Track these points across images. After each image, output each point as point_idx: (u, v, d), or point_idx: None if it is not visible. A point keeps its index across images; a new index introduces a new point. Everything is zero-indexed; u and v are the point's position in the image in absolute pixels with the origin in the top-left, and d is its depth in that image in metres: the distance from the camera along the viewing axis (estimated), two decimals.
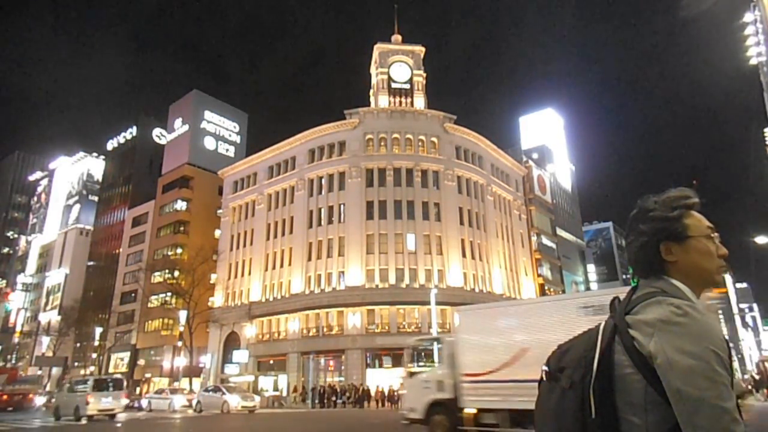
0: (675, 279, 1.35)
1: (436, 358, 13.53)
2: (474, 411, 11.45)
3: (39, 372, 65.60)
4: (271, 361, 47.48)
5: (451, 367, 12.24)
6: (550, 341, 7.37)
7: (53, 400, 29.56)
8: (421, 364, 14.03)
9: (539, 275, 59.02)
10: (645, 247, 1.38)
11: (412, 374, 13.85)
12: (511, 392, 10.88)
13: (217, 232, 59.05)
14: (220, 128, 75.58)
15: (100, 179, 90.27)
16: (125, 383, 26.74)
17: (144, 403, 34.55)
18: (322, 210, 48.75)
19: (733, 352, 1.26)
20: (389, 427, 17.68)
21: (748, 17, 41.45)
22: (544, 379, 1.41)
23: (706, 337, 1.19)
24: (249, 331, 49.24)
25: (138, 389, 56.57)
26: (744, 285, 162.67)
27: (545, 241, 62.96)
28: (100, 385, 22.31)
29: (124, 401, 23.71)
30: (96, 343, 60.90)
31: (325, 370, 44.65)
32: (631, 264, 1.46)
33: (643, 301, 1.32)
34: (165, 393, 33.42)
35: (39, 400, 37.28)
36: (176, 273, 53.55)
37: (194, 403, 29.87)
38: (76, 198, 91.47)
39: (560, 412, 1.30)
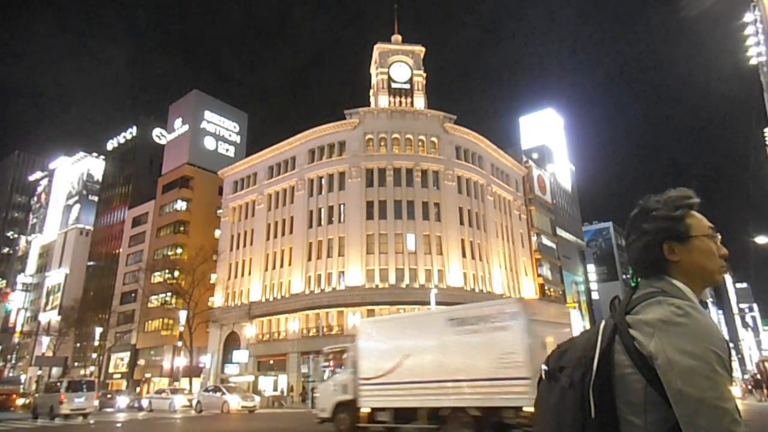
0: (676, 279, 1.35)
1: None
2: (368, 410, 12.96)
3: (39, 372, 65.67)
4: (271, 361, 47.47)
5: (353, 372, 13.77)
6: (424, 348, 10.16)
7: None
8: (337, 370, 15.37)
9: (539, 275, 59.01)
10: (648, 246, 1.38)
11: (323, 379, 15.78)
12: (396, 393, 12.43)
13: (217, 232, 59.05)
14: (220, 128, 75.58)
15: (100, 179, 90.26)
16: (97, 385, 28.52)
17: (144, 403, 34.60)
18: (322, 210, 48.75)
19: (733, 353, 1.26)
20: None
21: (748, 17, 41.45)
22: (543, 378, 1.41)
23: (706, 338, 1.19)
24: (249, 331, 49.24)
25: (138, 389, 56.54)
26: (744, 285, 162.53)
27: (545, 241, 62.95)
28: (74, 387, 24.11)
29: (96, 401, 26.08)
30: (96, 343, 60.89)
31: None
32: (632, 263, 1.46)
33: (644, 301, 1.32)
34: (165, 393, 33.45)
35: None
36: (176, 273, 53.57)
37: (194, 403, 29.90)
38: (76, 198, 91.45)
39: (560, 412, 1.30)
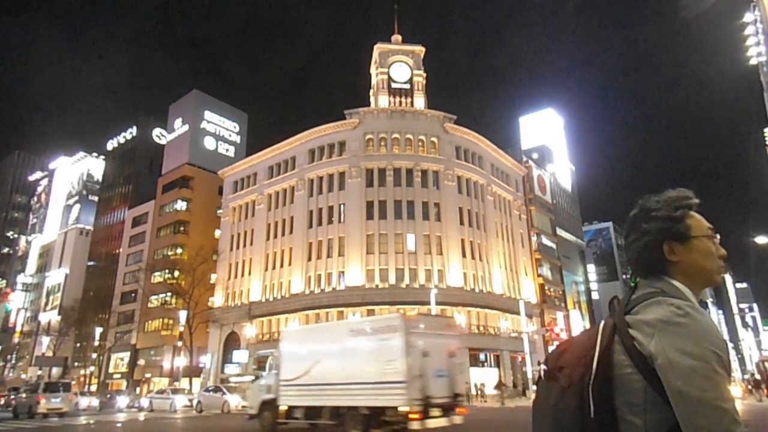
0: (676, 279, 1.36)
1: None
2: (286, 408, 14.66)
3: (39, 372, 65.67)
4: None
5: (276, 374, 15.45)
6: (330, 354, 13.23)
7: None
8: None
9: (539, 275, 59.00)
10: (648, 246, 1.38)
11: (254, 380, 18.16)
12: (307, 393, 14.19)
13: (217, 232, 59.06)
14: (220, 128, 75.59)
15: (100, 179, 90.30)
16: (73, 387, 30.87)
17: (145, 402, 34.54)
18: (322, 210, 48.76)
19: (732, 353, 1.26)
20: None
21: (748, 17, 41.46)
22: (542, 377, 1.41)
23: (707, 338, 1.19)
24: (249, 331, 49.23)
25: (138, 389, 56.54)
26: (744, 285, 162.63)
27: (545, 241, 62.94)
28: (51, 388, 26.39)
29: (73, 401, 27.86)
30: (96, 343, 60.92)
31: None
32: (631, 263, 1.46)
33: (643, 301, 1.32)
34: (166, 393, 33.37)
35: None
36: (176, 273, 53.59)
37: (195, 403, 29.91)
38: (76, 198, 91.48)
39: (559, 412, 1.30)
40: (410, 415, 11.55)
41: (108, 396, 42.29)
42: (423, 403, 11.71)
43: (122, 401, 40.16)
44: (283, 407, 14.64)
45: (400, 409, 11.76)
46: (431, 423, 11.83)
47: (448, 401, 12.44)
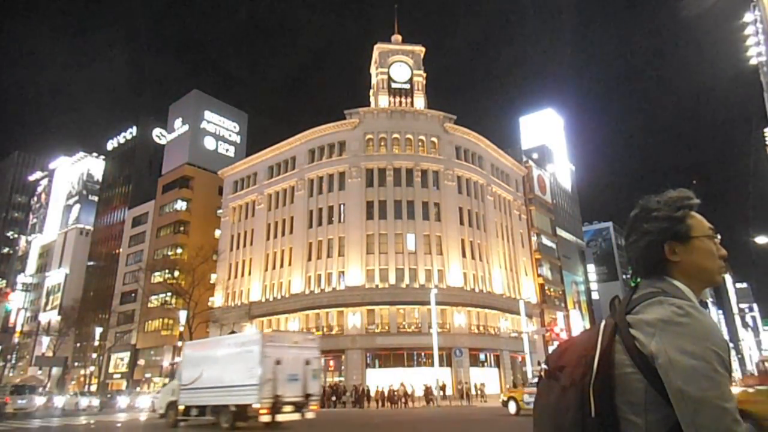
0: (677, 279, 1.36)
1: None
2: (183, 407, 17.83)
3: (39, 372, 65.67)
4: None
5: (178, 380, 18.61)
6: (214, 363, 16.98)
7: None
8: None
9: (539, 275, 59.01)
10: (650, 246, 1.39)
11: (164, 385, 21.56)
12: (197, 395, 17.27)
13: (217, 232, 59.05)
14: (220, 128, 75.58)
15: (100, 179, 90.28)
16: (41, 389, 33.66)
17: (147, 402, 34.32)
18: (322, 210, 48.75)
19: (732, 353, 1.26)
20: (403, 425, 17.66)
21: (748, 17, 41.47)
22: (543, 377, 1.42)
23: (707, 338, 1.19)
24: (249, 331, 49.23)
25: (138, 389, 56.54)
26: (744, 285, 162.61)
27: (545, 241, 62.95)
28: (18, 390, 29.13)
29: (39, 401, 30.24)
30: (96, 343, 60.91)
31: (325, 370, 44.61)
32: (632, 263, 1.46)
33: (644, 300, 1.33)
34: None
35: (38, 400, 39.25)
36: (176, 273, 53.55)
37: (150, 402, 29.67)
38: (76, 198, 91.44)
39: (559, 411, 1.30)
40: (260, 411, 14.69)
41: (108, 396, 42.16)
42: (273, 402, 14.80)
43: (123, 401, 40.00)
44: (181, 407, 17.93)
45: (253, 405, 14.84)
46: (281, 417, 15.04)
47: (300, 400, 15.55)
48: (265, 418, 14.79)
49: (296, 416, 15.44)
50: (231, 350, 16.88)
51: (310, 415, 15.91)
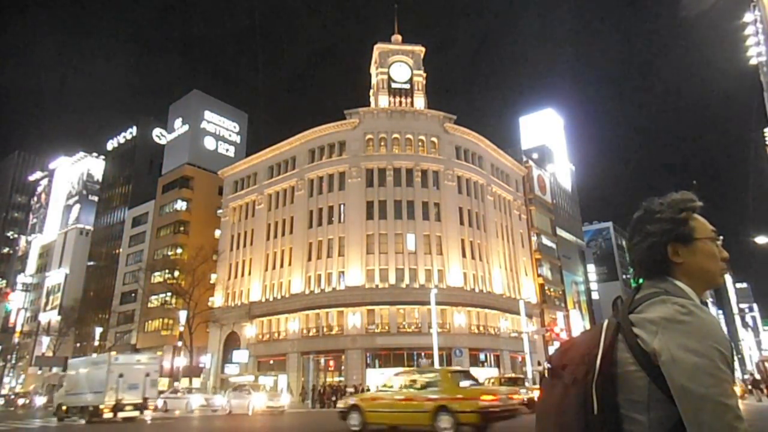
0: (679, 279, 1.38)
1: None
2: (65, 407, 23.54)
3: (39, 372, 65.66)
4: (271, 361, 47.49)
5: (64, 387, 25.26)
6: (83, 376, 23.62)
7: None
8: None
9: (539, 275, 59.00)
10: (653, 247, 1.41)
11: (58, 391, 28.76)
12: (73, 399, 23.09)
13: (217, 232, 59.04)
14: (220, 128, 75.56)
15: (100, 179, 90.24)
16: None
17: (159, 402, 33.55)
18: (322, 210, 48.75)
19: (734, 352, 1.28)
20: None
21: (748, 17, 41.50)
22: (546, 376, 1.43)
23: (710, 336, 1.20)
24: (249, 331, 49.24)
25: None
26: (744, 285, 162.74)
27: (545, 241, 62.95)
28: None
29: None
30: (96, 343, 60.86)
31: (325, 370, 44.65)
32: (635, 265, 1.48)
33: (647, 300, 1.34)
34: (181, 392, 31.74)
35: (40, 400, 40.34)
36: (176, 273, 53.55)
37: (225, 402, 28.08)
38: (76, 198, 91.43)
39: (562, 409, 1.31)
40: (104, 409, 20.48)
41: None
42: (115, 403, 20.44)
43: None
44: (64, 407, 23.60)
45: (100, 406, 20.58)
46: (122, 414, 20.78)
47: (139, 402, 21.26)
48: (108, 415, 20.60)
49: (135, 414, 21.53)
50: (91, 367, 22.98)
51: (147, 413, 22.49)
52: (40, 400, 42.76)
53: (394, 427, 12.64)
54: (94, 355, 29.66)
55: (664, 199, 1.45)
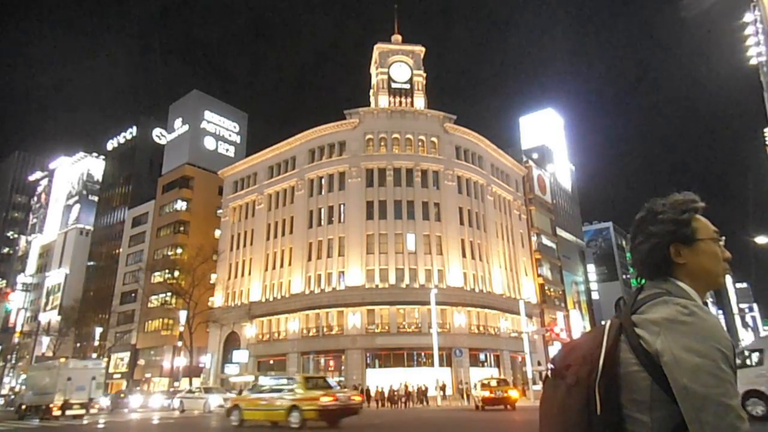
0: (682, 280, 1.39)
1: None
2: (25, 407, 26.20)
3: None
4: (271, 361, 47.49)
5: (27, 389, 28.53)
6: (40, 379, 27.41)
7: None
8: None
9: (539, 275, 59.01)
10: (655, 248, 1.41)
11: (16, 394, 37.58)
12: (32, 399, 25.68)
13: (217, 232, 59.06)
14: (220, 128, 75.57)
15: (100, 179, 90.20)
16: None
17: (176, 402, 31.92)
18: (322, 210, 48.76)
19: (736, 353, 1.28)
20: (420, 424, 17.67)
21: (748, 17, 41.53)
22: (550, 376, 1.44)
23: (712, 336, 1.21)
24: (249, 331, 49.24)
25: (138, 389, 56.54)
26: (744, 285, 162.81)
27: (545, 241, 62.96)
28: None
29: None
30: (96, 343, 60.87)
31: (325, 370, 44.63)
32: (637, 265, 1.48)
33: (649, 301, 1.35)
34: (198, 392, 30.36)
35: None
36: (176, 273, 53.52)
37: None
38: (76, 198, 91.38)
39: (566, 409, 1.32)
40: (54, 408, 23.14)
41: (122, 396, 39.26)
42: (63, 402, 23.23)
43: (135, 401, 37.33)
44: (24, 406, 26.42)
45: (50, 405, 23.30)
46: (69, 412, 23.44)
47: (85, 402, 24.03)
48: (57, 413, 23.13)
49: (82, 412, 24.02)
50: (45, 371, 26.11)
51: (93, 411, 25.39)
52: (103, 400, 41.12)
53: (262, 422, 15.82)
54: (51, 362, 32.31)
55: (666, 199, 1.46)
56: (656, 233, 1.41)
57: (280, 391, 15.63)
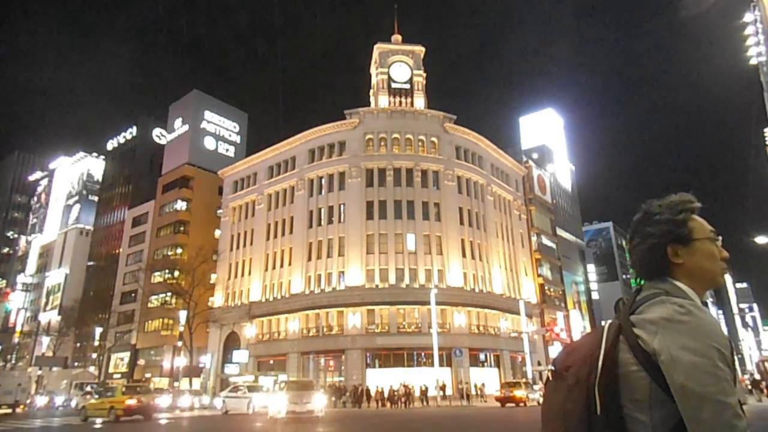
0: (679, 280, 1.40)
1: None
2: None
3: (39, 372, 65.60)
4: (271, 361, 47.50)
5: None
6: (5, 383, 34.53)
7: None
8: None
9: (539, 275, 59.02)
10: (653, 249, 1.43)
11: None
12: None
13: (217, 232, 59.05)
14: (220, 128, 75.57)
15: (100, 179, 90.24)
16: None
17: (218, 403, 30.55)
18: (322, 210, 48.77)
19: (734, 352, 1.29)
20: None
21: (748, 17, 41.53)
22: (551, 378, 1.45)
23: (709, 335, 1.22)
24: (249, 331, 49.24)
25: (177, 386, 56.26)
26: (744, 285, 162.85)
27: (545, 241, 62.96)
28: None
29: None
30: (96, 343, 60.86)
31: (325, 370, 44.66)
32: (635, 266, 1.50)
33: (647, 301, 1.36)
34: (242, 391, 27.71)
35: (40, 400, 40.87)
36: (176, 273, 53.55)
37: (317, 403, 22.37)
38: (76, 198, 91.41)
39: (566, 410, 1.33)
40: None
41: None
42: None
43: (164, 401, 32.24)
44: None
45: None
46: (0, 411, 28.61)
47: (12, 404, 29.33)
48: None
49: (9, 411, 28.89)
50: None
51: (19, 410, 29.94)
52: (41, 401, 42.50)
53: (97, 416, 22.16)
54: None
55: (662, 200, 1.47)
56: (653, 234, 1.43)
57: (108, 395, 23.09)
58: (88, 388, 39.06)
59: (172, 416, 25.87)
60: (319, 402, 22.08)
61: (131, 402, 20.74)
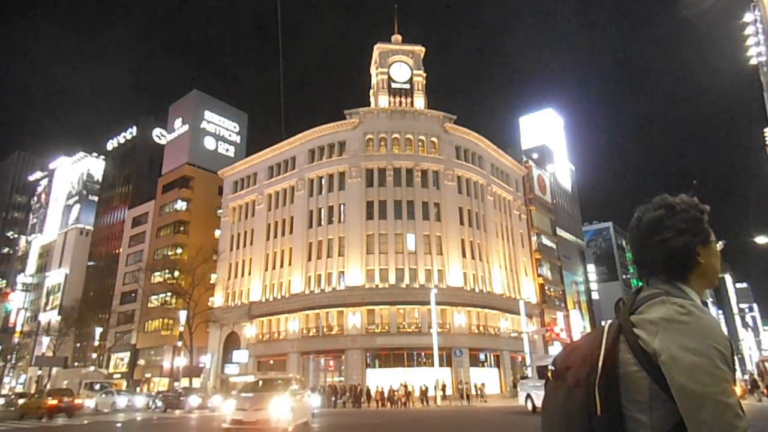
0: (691, 280, 1.40)
1: None
2: None
3: (39, 372, 65.63)
4: (271, 361, 47.50)
5: None
6: None
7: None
8: None
9: (539, 275, 59.01)
10: (686, 247, 1.40)
11: None
12: None
13: (217, 232, 59.06)
14: (220, 128, 75.58)
15: (100, 179, 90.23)
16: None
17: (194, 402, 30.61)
18: (322, 210, 48.77)
19: (734, 352, 1.29)
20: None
21: (748, 17, 41.53)
22: (551, 378, 1.45)
23: (709, 335, 1.22)
24: (249, 331, 49.25)
25: (138, 389, 56.52)
26: (744, 285, 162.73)
27: (545, 241, 62.95)
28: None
29: (110, 401, 34.06)
30: (96, 343, 60.85)
31: (325, 370, 44.68)
32: (655, 262, 1.43)
33: (648, 301, 1.36)
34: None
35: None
36: (176, 273, 53.56)
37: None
38: (76, 198, 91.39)
39: (567, 410, 1.33)
40: None
41: (180, 395, 33.41)
42: None
43: (194, 401, 31.81)
44: None
45: None
46: None
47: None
48: None
49: None
50: None
51: None
52: (123, 399, 39.35)
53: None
54: None
55: (680, 198, 1.46)
56: (686, 230, 1.40)
57: (45, 398, 26.91)
58: (97, 387, 37.78)
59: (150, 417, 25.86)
60: (282, 409, 14.53)
61: (53, 402, 25.34)
